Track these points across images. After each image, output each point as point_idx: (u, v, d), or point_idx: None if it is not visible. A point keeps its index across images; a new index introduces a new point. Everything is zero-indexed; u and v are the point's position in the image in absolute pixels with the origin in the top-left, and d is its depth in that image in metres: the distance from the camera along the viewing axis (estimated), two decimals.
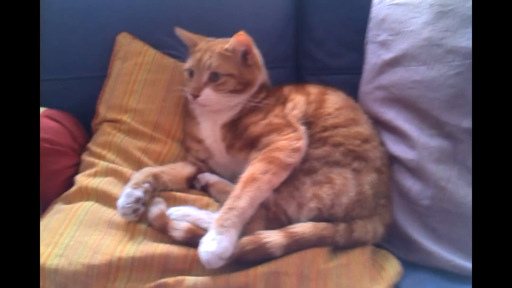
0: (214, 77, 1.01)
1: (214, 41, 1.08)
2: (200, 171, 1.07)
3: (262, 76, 1.11)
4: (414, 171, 0.98)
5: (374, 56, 1.12)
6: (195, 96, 1.01)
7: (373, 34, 1.14)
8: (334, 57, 1.29)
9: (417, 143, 0.99)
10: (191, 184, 1.05)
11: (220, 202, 0.97)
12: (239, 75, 1.03)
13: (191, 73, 1.05)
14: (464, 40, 0.95)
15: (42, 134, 1.01)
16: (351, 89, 1.16)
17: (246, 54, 1.04)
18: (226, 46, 1.02)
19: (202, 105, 1.03)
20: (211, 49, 1.03)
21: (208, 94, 1.01)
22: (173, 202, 0.95)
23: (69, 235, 0.86)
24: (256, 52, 1.09)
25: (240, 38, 1.01)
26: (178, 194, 0.98)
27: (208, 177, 1.05)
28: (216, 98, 1.02)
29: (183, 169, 1.05)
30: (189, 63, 1.05)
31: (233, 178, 0.99)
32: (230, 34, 1.09)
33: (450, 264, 0.91)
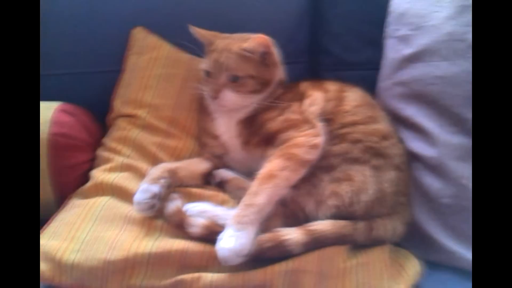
0: (233, 79, 1.00)
1: (230, 39, 1.05)
2: (215, 167, 1.06)
3: (280, 73, 1.09)
4: (435, 168, 0.96)
5: (393, 51, 1.10)
6: (214, 98, 1.00)
7: (392, 28, 1.12)
8: (350, 52, 1.27)
9: (437, 140, 0.97)
10: (206, 180, 1.04)
11: (236, 198, 0.96)
12: (258, 75, 1.02)
13: (208, 74, 1.03)
14: None
15: (57, 129, 1.01)
16: (368, 85, 1.14)
17: (265, 54, 1.02)
18: (245, 46, 0.99)
19: (222, 106, 1.02)
20: (228, 49, 1.01)
21: (227, 95, 1.00)
22: (189, 198, 0.94)
23: (85, 230, 0.85)
24: (275, 51, 1.07)
25: (260, 40, 0.99)
26: (194, 190, 0.97)
27: (223, 173, 1.04)
28: (236, 99, 1.01)
29: (199, 165, 1.04)
30: (205, 64, 1.03)
31: (248, 174, 0.98)
32: (244, 29, 1.08)
33: (470, 263, 0.89)
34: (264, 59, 1.02)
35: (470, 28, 0.95)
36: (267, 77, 1.04)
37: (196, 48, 1.08)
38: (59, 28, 1.19)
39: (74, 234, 0.85)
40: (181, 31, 1.10)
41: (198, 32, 1.07)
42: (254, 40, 0.99)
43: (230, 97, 1.00)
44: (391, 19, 1.13)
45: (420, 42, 1.02)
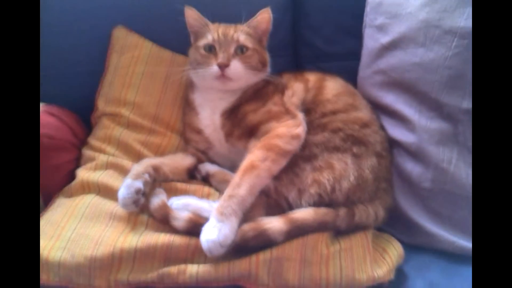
0: (240, 50, 1.02)
1: (224, 25, 1.08)
2: (200, 161, 1.07)
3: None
4: (415, 154, 0.98)
5: (372, 40, 1.11)
6: (225, 66, 0.99)
7: (370, 18, 1.13)
8: (332, 43, 1.28)
9: (417, 126, 0.98)
10: (192, 174, 1.05)
11: (221, 191, 0.97)
12: (259, 51, 1.06)
13: (210, 48, 1.03)
14: (462, 20, 0.94)
15: (41, 130, 1.01)
16: (350, 75, 1.15)
17: (264, 35, 1.08)
18: (251, 20, 1.06)
19: (229, 77, 1.00)
20: (232, 27, 1.05)
21: (236, 65, 1.01)
22: (174, 192, 0.95)
23: (71, 228, 0.86)
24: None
25: (266, 16, 1.06)
26: (179, 184, 0.98)
27: (208, 167, 1.05)
28: (243, 71, 1.02)
29: (183, 160, 1.05)
30: (208, 39, 1.03)
31: (233, 168, 0.99)
32: (228, 21, 1.09)
33: (453, 245, 0.91)
34: (261, 39, 1.08)
35: (445, 14, 0.96)
36: (264, 57, 1.08)
37: (178, 46, 1.09)
38: (42, 31, 1.19)
39: (60, 232, 0.85)
40: (162, 29, 1.11)
41: (194, 13, 1.07)
42: (262, 15, 1.05)
43: (238, 68, 1.01)
44: (369, 9, 1.14)
45: (397, 30, 1.04)
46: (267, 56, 1.10)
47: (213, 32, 1.03)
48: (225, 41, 1.02)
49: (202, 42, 1.04)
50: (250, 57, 1.03)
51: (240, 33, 1.03)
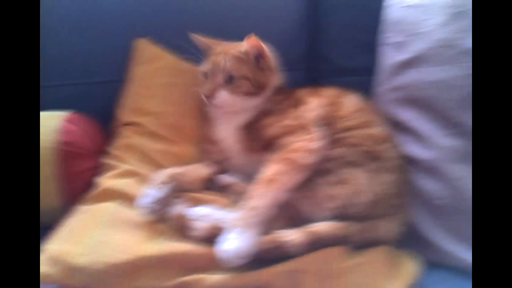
0: (229, 79, 1.03)
1: (229, 45, 1.10)
2: (217, 172, 1.09)
3: (276, 79, 1.13)
4: (430, 171, 0.99)
5: (388, 57, 1.13)
6: (210, 97, 1.03)
7: (387, 36, 1.15)
8: (348, 59, 1.30)
9: (432, 143, 0.99)
10: (208, 185, 1.07)
11: (237, 202, 0.98)
12: (253, 78, 1.05)
13: (206, 75, 1.07)
14: None
15: (63, 138, 1.05)
16: (366, 91, 1.17)
17: (259, 58, 1.06)
18: (240, 48, 1.04)
19: (217, 106, 1.05)
20: (226, 52, 1.05)
21: (223, 95, 1.03)
22: (192, 202, 0.96)
23: (92, 235, 0.88)
24: (270, 55, 1.11)
25: (252, 42, 1.03)
26: (197, 195, 1.00)
27: (225, 179, 1.07)
28: (230, 100, 1.04)
29: (201, 171, 1.07)
30: (205, 66, 1.08)
31: (249, 179, 1.00)
32: (244, 37, 1.12)
33: (469, 263, 0.91)
34: (258, 62, 1.06)
35: (461, 35, 0.98)
36: (262, 81, 1.07)
37: (197, 57, 1.12)
38: (64, 40, 1.23)
39: (82, 239, 0.87)
40: (183, 41, 1.14)
41: (198, 39, 1.11)
42: (246, 42, 1.03)
43: (225, 97, 1.03)
44: (385, 26, 1.16)
45: (413, 48, 1.06)
46: (270, 77, 1.09)
47: (209, 59, 1.06)
48: (214, 70, 1.04)
49: (202, 68, 1.08)
50: (239, 86, 1.04)
51: (229, 61, 1.03)
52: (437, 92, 1.01)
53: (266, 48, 1.08)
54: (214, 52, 1.08)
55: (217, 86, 1.03)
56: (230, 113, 1.08)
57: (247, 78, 1.04)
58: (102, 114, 1.21)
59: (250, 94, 1.06)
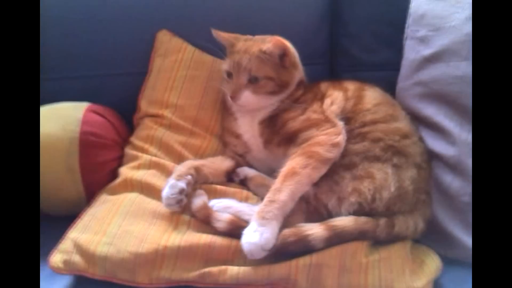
0: (253, 80, 1.03)
1: (251, 41, 1.08)
2: (238, 165, 1.10)
3: (299, 74, 1.12)
4: (454, 167, 0.97)
5: (413, 52, 1.11)
6: (234, 98, 1.03)
7: (412, 29, 1.13)
8: (369, 53, 1.29)
9: (457, 139, 0.98)
10: (230, 177, 1.07)
11: (258, 195, 0.99)
12: (277, 77, 1.05)
13: (229, 74, 1.06)
14: None
15: (87, 128, 1.06)
16: (387, 86, 1.15)
17: (283, 56, 1.05)
18: (264, 48, 1.03)
19: (241, 106, 1.06)
20: (249, 51, 1.04)
21: (247, 96, 1.03)
22: (213, 194, 0.97)
23: (116, 224, 0.89)
24: (293, 52, 1.10)
25: (277, 43, 1.02)
26: (219, 187, 1.00)
27: (246, 171, 1.08)
28: (254, 100, 1.04)
29: (223, 163, 1.08)
30: (227, 65, 1.07)
31: (270, 172, 1.01)
32: (265, 31, 1.11)
33: None
34: (282, 61, 1.05)
35: None
36: (286, 79, 1.07)
37: (218, 50, 1.12)
38: (88, 32, 1.24)
39: (106, 228, 0.89)
40: (203, 34, 1.14)
41: (220, 35, 1.10)
42: (271, 43, 1.02)
43: (249, 97, 1.03)
44: (411, 20, 1.15)
45: (440, 42, 1.04)
46: (294, 73, 1.09)
47: (232, 58, 1.05)
48: (238, 70, 1.03)
49: (224, 66, 1.08)
50: (261, 86, 1.04)
51: (253, 61, 1.02)
52: (462, 87, 0.99)
53: (290, 46, 1.07)
54: (236, 50, 1.06)
55: (241, 86, 1.03)
56: (253, 109, 1.08)
57: (270, 78, 1.04)
58: (125, 105, 1.21)
59: (274, 92, 1.06)
